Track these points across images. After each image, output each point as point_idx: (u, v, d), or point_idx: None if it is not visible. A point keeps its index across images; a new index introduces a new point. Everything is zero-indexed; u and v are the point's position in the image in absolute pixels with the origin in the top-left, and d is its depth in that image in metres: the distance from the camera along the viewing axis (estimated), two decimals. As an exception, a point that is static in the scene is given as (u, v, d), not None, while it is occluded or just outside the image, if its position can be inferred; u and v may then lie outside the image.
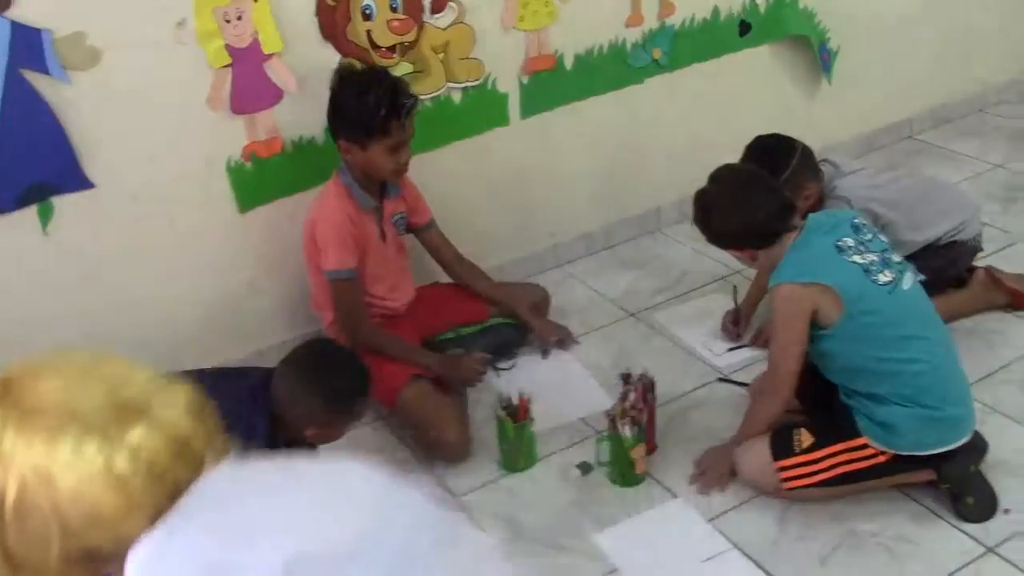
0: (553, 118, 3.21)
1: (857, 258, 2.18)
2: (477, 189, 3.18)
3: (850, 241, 2.20)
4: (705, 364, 2.86)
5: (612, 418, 2.39)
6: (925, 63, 4.01)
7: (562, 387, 2.79)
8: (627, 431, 2.36)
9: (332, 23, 2.73)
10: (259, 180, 2.78)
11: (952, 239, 2.83)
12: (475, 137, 3.10)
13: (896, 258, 2.26)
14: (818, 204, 2.75)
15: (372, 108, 2.45)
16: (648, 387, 2.49)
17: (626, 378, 2.50)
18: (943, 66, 4.07)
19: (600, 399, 2.69)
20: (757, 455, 2.29)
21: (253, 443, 2.01)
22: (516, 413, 2.49)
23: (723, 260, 3.34)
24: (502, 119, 3.12)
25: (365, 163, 2.56)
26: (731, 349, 2.90)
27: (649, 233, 3.57)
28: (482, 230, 3.23)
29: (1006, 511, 2.24)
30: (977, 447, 2.26)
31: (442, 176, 3.08)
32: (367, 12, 2.76)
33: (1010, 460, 2.39)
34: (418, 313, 2.87)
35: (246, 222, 2.82)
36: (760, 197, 2.27)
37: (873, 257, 2.19)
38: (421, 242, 2.88)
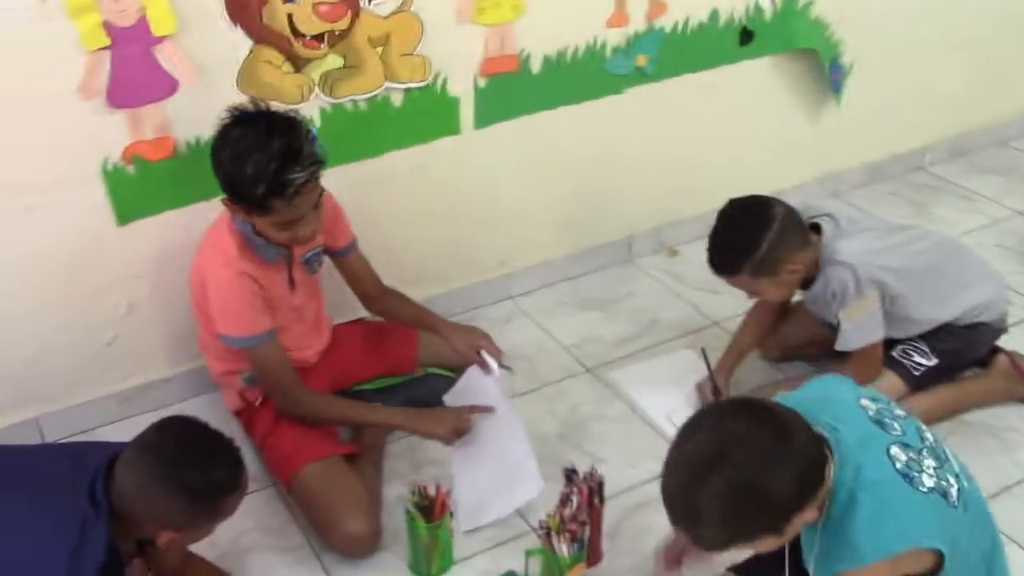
0: (513, 129, 2.71)
1: (927, 481, 1.59)
2: (417, 207, 2.68)
3: (903, 454, 1.60)
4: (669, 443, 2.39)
5: (547, 531, 1.92)
6: (944, 89, 3.53)
7: (493, 458, 2.25)
8: (564, 549, 1.90)
9: (243, 2, 2.21)
10: (144, 187, 2.28)
11: (974, 320, 2.37)
12: (418, 147, 2.60)
13: (931, 439, 1.69)
14: (813, 273, 2.28)
15: (247, 182, 1.92)
16: (596, 489, 2.03)
17: (570, 475, 2.04)
18: (963, 93, 3.59)
19: (531, 484, 2.16)
20: None
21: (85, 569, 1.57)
22: (431, 509, 2.02)
23: (700, 306, 2.88)
24: (452, 127, 2.61)
25: (257, 228, 2.06)
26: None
27: (620, 265, 3.09)
28: (420, 254, 2.75)
29: None
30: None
31: (376, 190, 2.59)
32: (289, -8, 2.24)
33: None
34: (333, 360, 2.39)
35: (125, 236, 2.31)
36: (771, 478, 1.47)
37: (931, 463, 1.62)
38: (338, 267, 2.38)
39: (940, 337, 2.37)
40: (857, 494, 1.53)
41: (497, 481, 2.20)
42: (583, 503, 1.99)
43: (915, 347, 2.38)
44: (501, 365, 2.34)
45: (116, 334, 2.42)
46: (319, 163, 2.01)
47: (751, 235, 2.22)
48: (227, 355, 2.20)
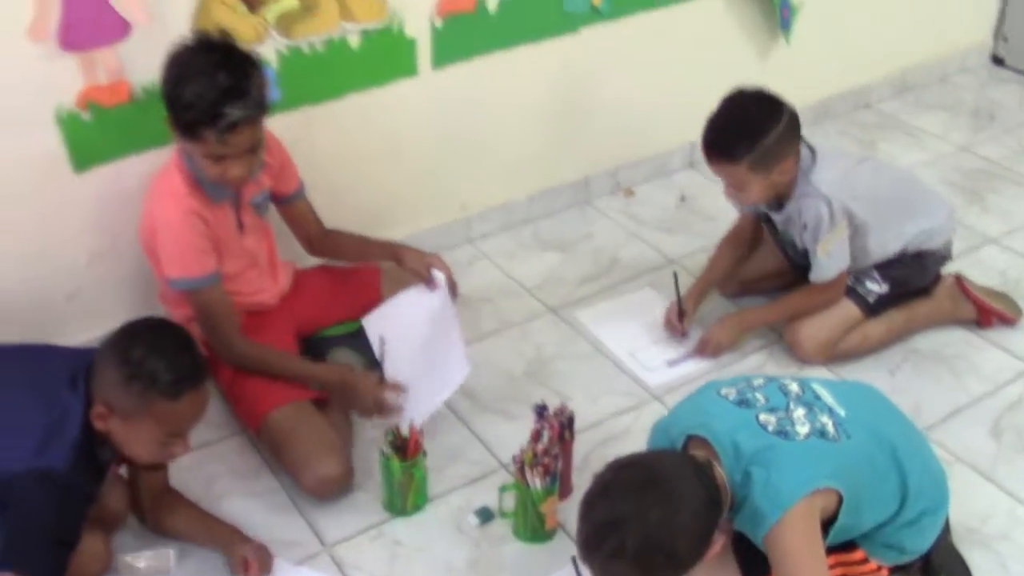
0: (471, 69, 2.70)
1: (801, 429, 1.70)
2: (375, 149, 2.67)
3: (771, 417, 1.72)
4: (633, 380, 2.44)
5: (520, 464, 1.96)
6: (889, 25, 3.58)
7: (437, 348, 2.27)
8: (537, 482, 1.94)
9: (197, -59, 2.16)
10: (100, 133, 2.24)
11: (921, 247, 2.45)
12: (376, 89, 2.57)
13: (797, 388, 1.80)
14: (789, 191, 2.32)
15: (183, 104, 1.92)
16: (567, 424, 2.06)
17: (540, 411, 2.07)
18: (908, 29, 3.64)
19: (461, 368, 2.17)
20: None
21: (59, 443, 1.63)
22: (404, 447, 2.04)
23: (660, 247, 2.92)
24: (409, 68, 2.60)
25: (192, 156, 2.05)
26: (673, 363, 2.48)
27: (578, 206, 3.11)
28: (379, 197, 2.74)
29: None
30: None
31: (333, 132, 2.57)
32: (243, -70, 2.19)
33: (979, 529, 2.05)
34: (295, 305, 2.38)
35: (83, 183, 2.27)
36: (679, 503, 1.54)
37: (801, 412, 1.73)
38: (282, 213, 2.37)
39: (889, 263, 2.45)
40: (748, 468, 1.64)
41: (431, 370, 2.23)
42: (554, 438, 2.02)
43: (866, 275, 2.45)
44: (452, 293, 2.35)
45: (77, 286, 2.38)
46: (261, 108, 2.01)
47: (761, 123, 2.22)
48: (185, 302, 2.19)
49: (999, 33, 3.94)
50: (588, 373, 2.46)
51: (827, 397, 1.79)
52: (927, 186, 2.61)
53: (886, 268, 2.45)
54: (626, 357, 2.50)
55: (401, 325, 2.34)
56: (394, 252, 2.40)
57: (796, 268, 2.50)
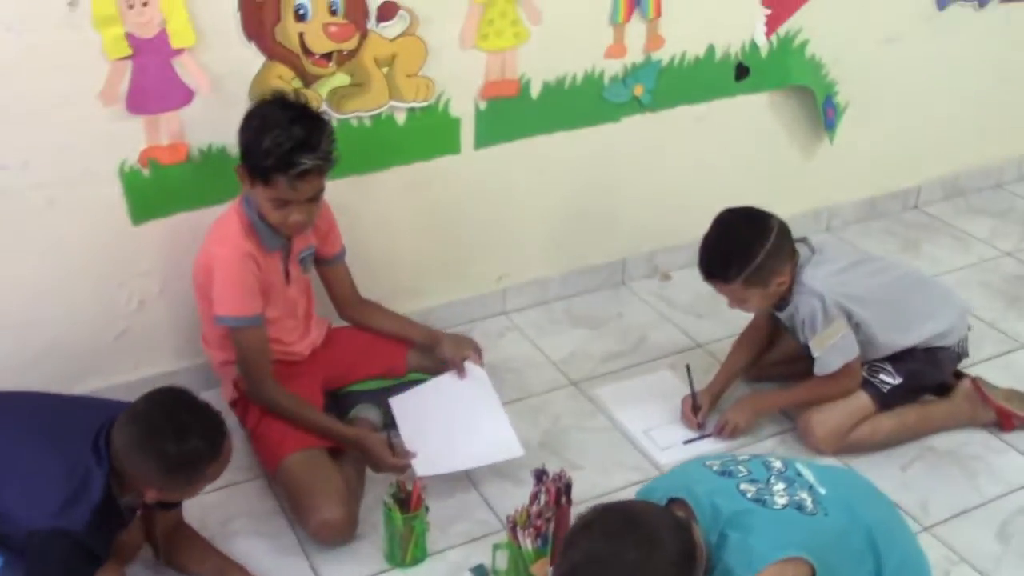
0: (512, 151, 2.84)
1: (780, 500, 1.76)
2: (417, 221, 2.82)
3: (751, 487, 1.78)
4: (644, 456, 2.50)
5: (513, 525, 2.03)
6: (940, 128, 3.62)
7: (469, 424, 2.42)
8: (528, 543, 2.01)
9: (258, 20, 2.36)
10: (158, 190, 2.43)
11: (934, 345, 2.48)
12: (419, 163, 2.73)
13: (780, 465, 1.86)
14: (788, 294, 2.39)
15: (261, 151, 2.12)
16: (564, 489, 2.13)
17: (540, 475, 2.14)
18: (958, 135, 3.68)
19: (510, 446, 2.36)
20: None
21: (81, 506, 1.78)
22: (407, 501, 2.13)
23: (687, 329, 2.99)
24: (452, 146, 2.75)
25: (256, 201, 2.22)
26: (688, 441, 2.53)
27: (612, 287, 3.20)
28: (420, 266, 2.88)
29: None
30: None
31: (377, 203, 2.73)
32: (300, 12, 2.39)
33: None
34: (324, 359, 2.52)
35: (139, 235, 2.46)
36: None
37: (781, 486, 1.79)
38: (321, 275, 2.53)
39: (903, 358, 2.48)
40: (724, 531, 1.69)
41: (460, 433, 2.37)
42: (550, 502, 2.09)
43: (881, 367, 2.47)
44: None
45: (126, 327, 2.55)
46: (329, 160, 2.21)
47: (749, 244, 2.32)
48: (227, 343, 2.34)
49: (1058, 143, 3.94)
50: (601, 446, 2.53)
51: (808, 476, 1.83)
52: (938, 284, 2.64)
53: (900, 361, 2.48)
54: (640, 434, 2.55)
55: (428, 404, 2.47)
56: (432, 336, 2.56)
57: (811, 356, 2.54)
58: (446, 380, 2.51)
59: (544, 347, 2.90)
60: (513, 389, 2.71)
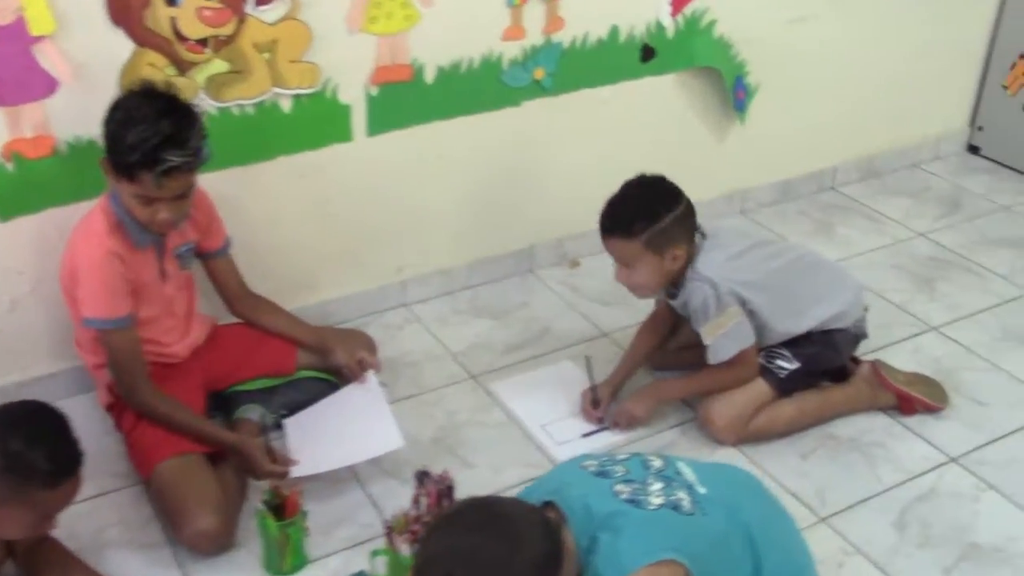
0: (409, 137, 2.75)
1: (655, 500, 1.70)
2: (310, 211, 2.72)
3: (626, 487, 1.72)
4: (541, 452, 2.43)
5: (389, 531, 1.95)
6: (855, 108, 3.59)
7: (352, 424, 2.34)
8: (404, 549, 1.93)
9: (124, 5, 2.24)
10: (24, 184, 2.31)
11: (826, 327, 2.44)
12: (309, 152, 2.63)
13: (660, 463, 1.81)
14: (682, 273, 2.33)
15: (125, 147, 2.00)
16: (446, 492, 2.06)
17: (421, 477, 2.07)
18: (875, 113, 3.65)
19: (388, 438, 2.26)
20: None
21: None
22: (283, 507, 2.05)
23: (593, 317, 2.92)
24: (343, 134, 2.65)
25: (122, 198, 2.11)
26: (586, 435, 2.47)
27: (520, 276, 3.12)
28: (310, 258, 2.78)
29: None
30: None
31: (266, 193, 2.63)
32: (171, -4, 2.28)
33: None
34: (208, 358, 2.42)
35: (7, 232, 2.34)
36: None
37: (658, 486, 1.73)
38: (207, 269, 2.42)
39: (799, 343, 2.44)
40: (596, 534, 1.63)
41: (345, 434, 2.30)
42: (431, 505, 2.02)
43: (778, 353, 2.43)
44: (380, 384, 2.42)
45: (0, 327, 2.44)
46: (199, 157, 2.10)
47: (658, 204, 2.26)
48: (98, 346, 2.23)
49: (974, 122, 3.93)
50: (496, 443, 2.45)
51: (689, 475, 1.78)
52: (832, 268, 2.61)
53: (797, 346, 2.44)
54: (537, 429, 2.48)
55: (321, 417, 2.40)
56: (323, 342, 2.46)
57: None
58: (340, 395, 2.43)
59: (445, 339, 2.82)
60: (409, 384, 2.64)
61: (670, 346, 2.64)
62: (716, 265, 2.30)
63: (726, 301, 2.28)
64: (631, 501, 1.69)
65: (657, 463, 1.80)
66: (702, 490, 1.75)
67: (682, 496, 1.72)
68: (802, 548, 1.85)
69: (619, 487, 1.72)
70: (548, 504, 1.71)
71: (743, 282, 2.31)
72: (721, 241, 2.35)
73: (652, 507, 1.68)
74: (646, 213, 2.25)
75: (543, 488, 1.76)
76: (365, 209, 2.80)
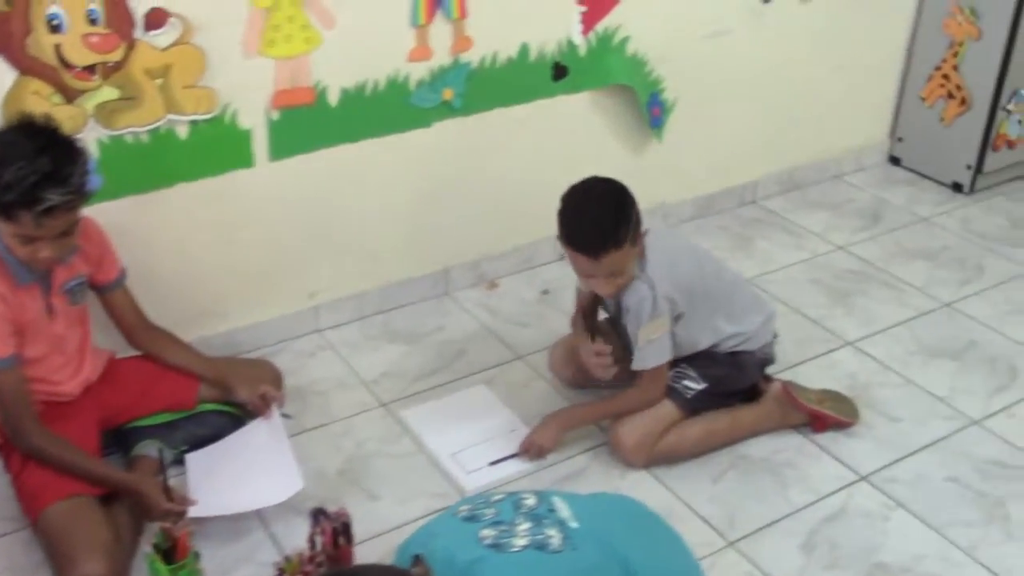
0: (315, 161, 2.70)
1: (519, 542, 1.69)
2: (213, 239, 2.65)
3: (492, 531, 1.71)
4: (449, 482, 2.38)
5: (280, 572, 1.90)
6: (775, 122, 3.59)
7: (253, 464, 2.30)
8: (296, 592, 1.88)
9: (4, 32, 2.18)
10: (-97, 219, 2.22)
11: (735, 348, 2.43)
12: (209, 179, 2.57)
13: (533, 501, 1.80)
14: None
15: (2, 185, 1.93)
16: (341, 529, 2.00)
17: (316, 516, 2.01)
18: (795, 126, 3.66)
19: (289, 482, 2.22)
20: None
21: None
22: (173, 549, 1.98)
23: (511, 341, 2.88)
24: (244, 160, 2.59)
25: (1, 236, 2.04)
26: (494, 463, 2.43)
27: (436, 299, 3.08)
28: (220, 286, 2.72)
29: None
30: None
31: (167, 222, 2.56)
32: (55, 23, 2.21)
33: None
34: (103, 395, 2.34)
35: None
36: None
37: (526, 526, 1.72)
38: (102, 302, 2.35)
39: (704, 363, 2.43)
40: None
41: (246, 475, 2.25)
42: (327, 544, 1.96)
43: (684, 373, 2.42)
44: (283, 414, 2.38)
45: None
46: (80, 196, 2.03)
47: (623, 203, 2.23)
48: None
49: (894, 133, 3.96)
50: (404, 473, 2.41)
51: (563, 511, 1.77)
52: (748, 287, 2.60)
53: (704, 367, 2.42)
54: (446, 458, 2.44)
55: (223, 455, 2.35)
56: (223, 378, 2.40)
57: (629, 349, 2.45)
58: (244, 432, 2.38)
59: (357, 366, 2.77)
60: (319, 414, 2.58)
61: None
62: (655, 265, 2.29)
63: (660, 308, 2.27)
64: (494, 546, 1.69)
65: (530, 501, 1.79)
66: (574, 525, 1.74)
67: (551, 534, 1.71)
68: (693, 573, 1.83)
69: (484, 532, 1.72)
70: (417, 558, 1.69)
71: (677, 285, 2.30)
72: (659, 245, 2.34)
73: (515, 549, 1.68)
74: (622, 216, 2.21)
75: (415, 540, 1.78)
76: (274, 234, 2.74)
